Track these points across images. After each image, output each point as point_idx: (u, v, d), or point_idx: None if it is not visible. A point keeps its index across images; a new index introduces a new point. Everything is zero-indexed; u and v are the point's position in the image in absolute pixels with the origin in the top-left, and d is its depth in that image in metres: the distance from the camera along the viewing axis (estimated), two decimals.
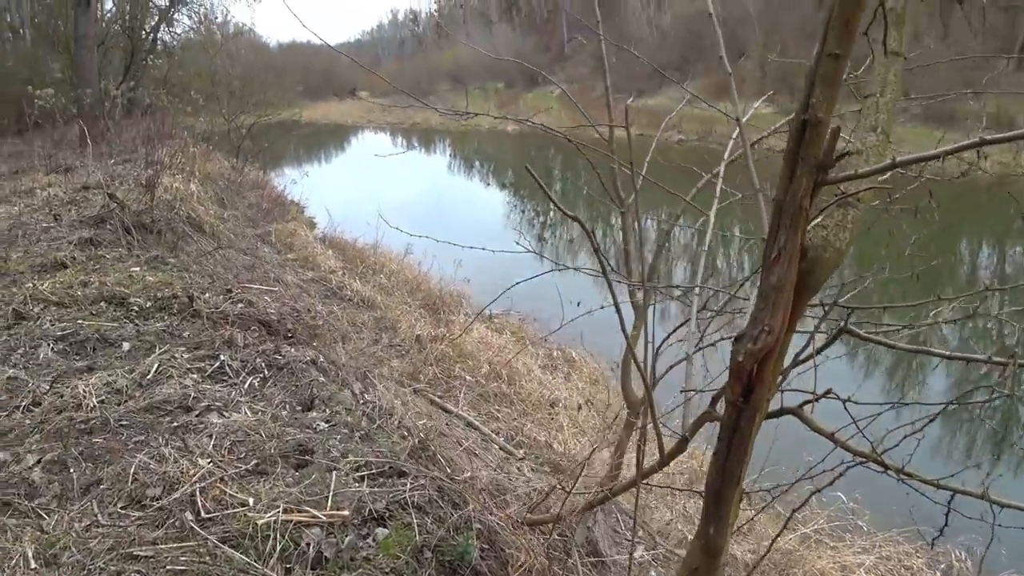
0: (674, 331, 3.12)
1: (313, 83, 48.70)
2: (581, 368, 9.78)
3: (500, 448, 6.26)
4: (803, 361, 2.23)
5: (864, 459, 2.18)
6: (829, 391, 2.17)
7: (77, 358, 3.54)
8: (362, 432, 3.21)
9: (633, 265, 4.35)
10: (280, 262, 9.36)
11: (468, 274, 11.01)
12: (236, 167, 15.35)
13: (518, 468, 5.56)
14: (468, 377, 7.41)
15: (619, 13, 52.74)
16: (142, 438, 2.83)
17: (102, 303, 4.08)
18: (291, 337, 4.73)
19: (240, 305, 4.81)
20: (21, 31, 30.33)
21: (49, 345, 3.57)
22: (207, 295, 4.70)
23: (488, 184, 28.66)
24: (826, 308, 2.25)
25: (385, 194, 16.02)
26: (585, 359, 9.87)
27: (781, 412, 2.20)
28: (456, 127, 44.51)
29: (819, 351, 2.22)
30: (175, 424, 2.91)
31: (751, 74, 30.86)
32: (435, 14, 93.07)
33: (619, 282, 3.08)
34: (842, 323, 2.12)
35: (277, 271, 8.58)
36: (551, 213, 21.78)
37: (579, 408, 8.01)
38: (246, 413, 3.08)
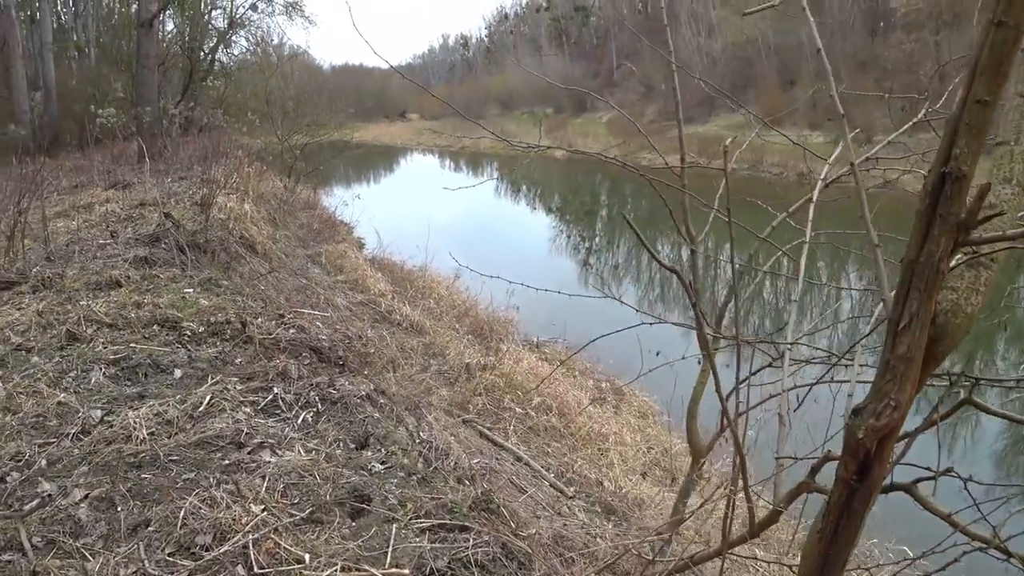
0: (770, 397, 2.85)
1: (364, 105, 49.53)
2: (630, 401, 9.53)
3: (551, 485, 6.05)
4: (918, 432, 1.99)
5: (985, 545, 1.92)
6: (950, 469, 1.93)
7: (128, 384, 3.44)
8: (419, 475, 3.03)
9: (701, 306, 4.12)
10: (330, 284, 9.32)
11: (518, 301, 10.86)
12: (288, 187, 15.49)
13: (569, 508, 5.34)
14: (518, 409, 7.21)
15: (671, 41, 52.61)
16: (192, 475, 2.69)
17: (155, 326, 4.00)
18: (342, 365, 4.59)
19: (292, 331, 4.70)
20: (87, 50, 31.45)
21: (101, 369, 3.48)
22: (260, 320, 4.59)
23: (535, 208, 28.56)
24: (951, 378, 2.01)
25: (433, 215, 16.01)
26: (634, 391, 9.63)
27: (892, 488, 1.95)
28: (504, 151, 44.62)
29: (939, 421, 1.97)
30: (227, 462, 2.77)
31: (802, 103, 30.35)
32: (485, 40, 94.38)
33: (714, 336, 2.85)
34: (963, 393, 1.89)
35: (327, 293, 8.53)
36: (596, 238, 21.52)
37: (630, 445, 7.78)
38: (299, 452, 2.92)
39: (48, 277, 5.09)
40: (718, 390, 2.19)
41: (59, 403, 3.17)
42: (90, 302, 4.58)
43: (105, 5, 36.85)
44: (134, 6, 38.43)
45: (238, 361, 3.82)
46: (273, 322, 4.70)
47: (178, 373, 3.53)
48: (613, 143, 38.08)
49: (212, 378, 3.41)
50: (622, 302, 3.07)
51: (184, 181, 11.47)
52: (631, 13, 61.58)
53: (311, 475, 2.73)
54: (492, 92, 68.80)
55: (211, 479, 2.63)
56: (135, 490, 2.60)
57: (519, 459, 6.25)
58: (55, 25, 28.86)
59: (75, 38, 32.53)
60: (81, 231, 7.23)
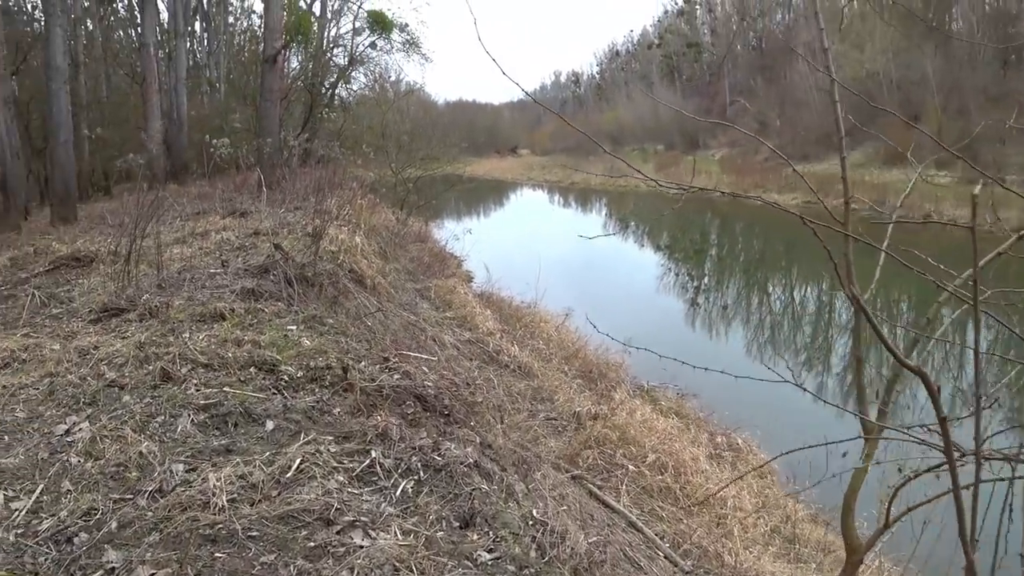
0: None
1: (476, 140, 50.33)
2: (747, 458, 8.71)
3: (665, 557, 5.44)
4: None
5: None
6: None
7: (216, 434, 3.13)
8: (532, 569, 2.53)
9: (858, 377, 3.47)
10: (438, 320, 9.03)
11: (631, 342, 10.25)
12: (400, 219, 15.53)
13: None
14: (631, 466, 6.59)
15: (784, 76, 50.91)
16: (271, 559, 2.29)
17: (252, 368, 3.71)
18: (448, 415, 4.18)
19: (396, 376, 4.33)
20: (217, 85, 33.40)
21: (190, 416, 3.19)
22: (363, 363, 4.25)
23: (643, 245, 27.88)
24: None
25: (543, 250, 15.65)
26: (752, 447, 8.83)
27: None
28: (614, 188, 44.19)
29: None
30: (312, 543, 2.36)
31: (925, 139, 28.26)
32: (596, 76, 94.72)
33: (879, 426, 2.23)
34: None
35: (435, 330, 8.22)
36: (705, 278, 20.61)
37: (750, 511, 7.01)
38: (396, 533, 2.48)
39: (155, 306, 4.97)
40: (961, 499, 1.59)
41: (141, 453, 2.88)
42: (191, 335, 4.38)
43: (236, 44, 39.23)
44: (261, 44, 40.89)
45: (336, 411, 3.46)
46: (377, 366, 4.35)
47: (270, 425, 3.20)
48: (726, 180, 37.02)
49: (305, 435, 3.05)
50: (804, 389, 2.49)
51: (298, 211, 11.57)
52: (745, 50, 60.22)
53: (407, 567, 2.28)
54: (603, 128, 68.68)
55: (292, 567, 2.22)
56: (206, 571, 2.22)
57: (632, 524, 5.69)
58: (190, 62, 30.72)
59: (207, 74, 34.62)
60: (195, 258, 7.22)
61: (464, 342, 8.89)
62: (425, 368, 5.06)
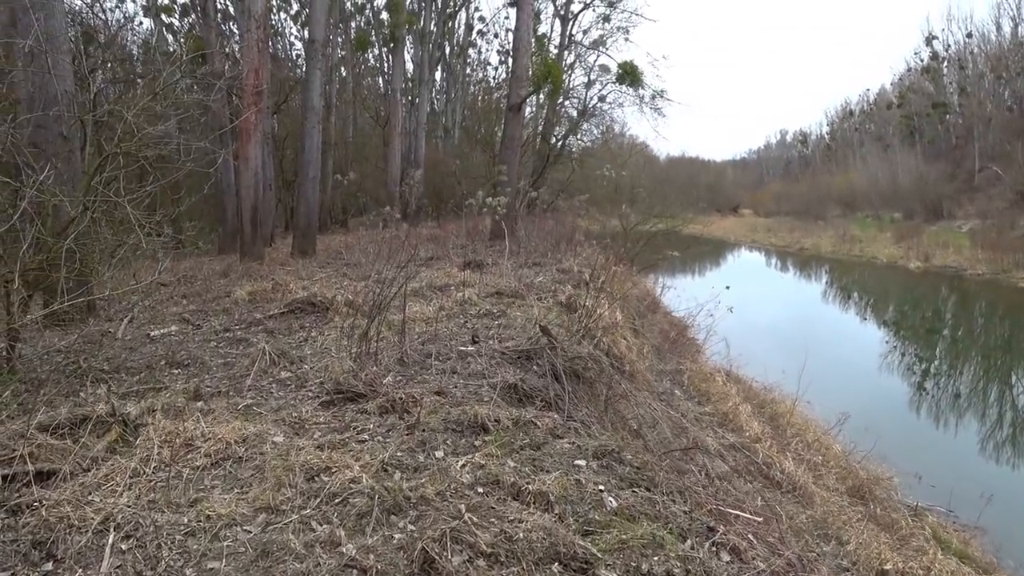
0: None
1: (699, 197, 48.20)
2: None
3: None
4: None
5: None
6: None
7: None
8: None
9: None
10: (697, 415, 7.36)
11: (893, 445, 8.23)
12: (634, 279, 14.06)
13: None
14: None
15: None
16: None
17: (554, 565, 2.32)
18: None
19: (726, 558, 2.81)
20: (452, 131, 34.56)
21: None
22: (688, 543, 2.74)
23: (864, 319, 24.50)
24: None
25: (754, 318, 13.45)
26: None
27: None
28: (846, 256, 40.02)
29: None
30: None
31: None
32: (826, 136, 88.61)
33: None
34: None
35: (696, 431, 6.57)
36: (936, 361, 17.50)
37: None
38: None
39: (399, 399, 3.81)
40: None
41: None
42: (447, 456, 3.14)
43: (471, 94, 40.71)
44: (495, 94, 42.14)
45: None
46: (705, 546, 2.82)
47: None
48: (980, 256, 31.75)
49: None
50: None
51: (538, 268, 10.51)
52: (999, 111, 52.89)
53: None
54: (833, 191, 63.53)
55: None
56: None
57: None
58: (429, 109, 31.93)
59: (443, 121, 35.97)
60: (438, 322, 6.18)
61: (728, 448, 7.13)
62: (752, 536, 3.45)
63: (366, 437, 3.46)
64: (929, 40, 59.84)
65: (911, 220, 48.57)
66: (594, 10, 22.52)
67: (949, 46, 58.68)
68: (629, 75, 15.67)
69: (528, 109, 27.07)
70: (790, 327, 18.38)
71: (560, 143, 28.06)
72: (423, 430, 3.43)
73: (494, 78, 43.74)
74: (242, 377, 5.17)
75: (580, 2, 24.70)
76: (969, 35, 55.90)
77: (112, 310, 8.26)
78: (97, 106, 6.67)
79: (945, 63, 59.69)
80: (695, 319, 11.31)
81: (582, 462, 3.19)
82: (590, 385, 4.61)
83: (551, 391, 4.23)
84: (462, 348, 4.95)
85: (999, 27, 52.87)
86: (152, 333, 7.02)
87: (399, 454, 3.18)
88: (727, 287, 10.82)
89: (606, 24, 23.14)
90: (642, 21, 35.17)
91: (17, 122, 5.65)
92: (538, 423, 3.60)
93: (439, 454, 3.23)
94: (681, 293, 15.24)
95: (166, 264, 6.31)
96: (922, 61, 61.82)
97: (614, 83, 21.96)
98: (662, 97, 16.83)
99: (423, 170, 26.69)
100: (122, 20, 20.33)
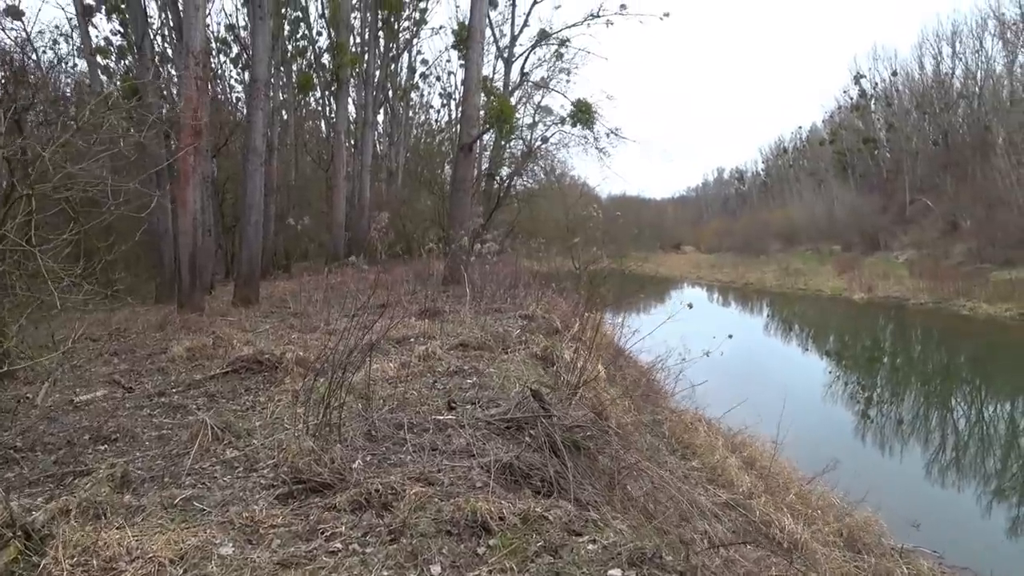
0: None
1: (641, 236, 48.47)
2: None
3: None
4: None
5: None
6: None
7: None
8: None
9: None
10: (684, 472, 6.80)
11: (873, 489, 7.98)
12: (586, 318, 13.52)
13: None
14: None
15: (979, 173, 45.58)
16: None
17: None
18: None
19: None
20: (395, 174, 34.16)
21: None
22: None
23: (806, 349, 24.73)
24: None
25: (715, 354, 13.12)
26: None
27: None
28: (791, 290, 40.66)
29: None
30: None
31: None
32: (762, 173, 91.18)
33: None
34: None
35: (686, 490, 6.01)
36: (878, 389, 17.70)
37: None
38: None
39: (377, 491, 3.15)
40: None
41: None
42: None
43: (414, 136, 40.44)
44: (438, 137, 41.89)
45: None
46: None
47: None
48: (922, 285, 32.59)
49: None
50: None
51: (498, 315, 9.90)
52: (925, 145, 55.38)
53: None
54: (772, 226, 65.14)
55: None
56: None
57: None
58: (373, 152, 31.48)
59: (387, 163, 35.48)
60: (405, 382, 5.51)
61: (721, 506, 6.59)
62: None
63: (338, 546, 2.78)
64: (857, 79, 62.42)
65: (850, 252, 50.07)
66: (547, 46, 22.41)
67: (876, 84, 61.29)
68: (583, 113, 15.41)
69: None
70: (753, 364, 18.18)
71: (507, 184, 27.75)
72: (411, 535, 2.77)
73: (436, 121, 43.65)
74: (180, 456, 4.41)
75: (525, 44, 24.65)
76: (894, 73, 58.53)
77: (33, 371, 7.32)
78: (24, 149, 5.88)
79: (873, 100, 62.27)
80: (663, 362, 10.81)
81: (617, 572, 2.58)
82: (592, 458, 4.01)
83: (550, 468, 3.62)
84: (439, 417, 4.30)
85: (922, 65, 55.48)
86: (77, 399, 6.16)
87: (385, 573, 2.52)
88: (729, 336, 10.33)
89: (558, 61, 23.06)
90: (589, 60, 35.50)
91: None
92: (549, 516, 2.98)
93: (435, 570, 2.58)
94: (639, 332, 14.76)
95: (94, 318, 5.53)
96: (851, 99, 64.40)
97: (559, 124, 21.79)
98: (616, 135, 16.66)
99: (368, 213, 26.05)
100: (55, 61, 19.25)
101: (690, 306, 11.13)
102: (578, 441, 3.95)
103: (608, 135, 17.15)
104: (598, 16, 19.25)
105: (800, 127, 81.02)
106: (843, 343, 25.73)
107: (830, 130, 69.49)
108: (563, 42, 20.98)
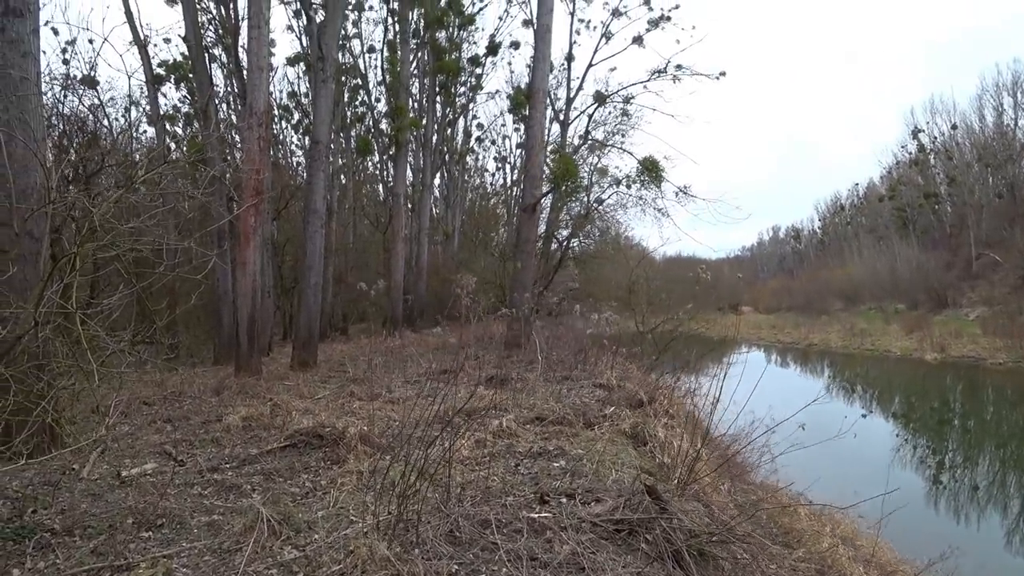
0: None
1: (698, 297, 47.35)
2: None
3: None
4: None
5: None
6: None
7: None
8: None
9: None
10: (792, 564, 5.90)
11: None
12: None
13: None
14: None
15: None
16: None
17: None
18: None
19: None
20: (451, 236, 34.14)
21: None
22: None
23: (871, 411, 23.13)
24: None
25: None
26: None
27: None
28: (857, 350, 38.71)
29: None
30: None
31: None
32: (819, 231, 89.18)
33: None
34: None
35: None
36: (949, 453, 16.18)
37: None
38: None
39: None
40: None
41: None
42: None
43: (469, 199, 40.64)
44: (492, 199, 42.00)
45: None
46: None
47: None
48: (999, 344, 30.43)
49: None
50: None
51: (570, 383, 9.21)
52: (988, 198, 53.27)
53: None
54: (832, 285, 63.09)
55: None
56: None
57: None
58: (430, 215, 31.59)
59: (443, 226, 35.55)
60: (481, 465, 4.87)
61: None
62: None
63: None
64: (915, 133, 61.02)
65: (915, 310, 47.85)
66: (610, 104, 22.10)
67: (935, 137, 59.78)
68: (651, 171, 14.90)
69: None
70: (832, 430, 16.92)
71: (566, 245, 27.33)
72: None
73: (491, 184, 43.91)
74: (231, 553, 3.82)
75: (579, 107, 24.43)
76: (954, 126, 57.03)
77: (83, 438, 6.90)
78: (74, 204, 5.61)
79: (932, 154, 60.71)
80: (750, 435, 9.88)
81: None
82: (719, 569, 3.28)
83: None
84: (532, 516, 3.62)
85: (982, 116, 53.94)
86: (125, 473, 5.67)
87: None
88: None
89: (624, 118, 22.72)
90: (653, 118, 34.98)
91: None
92: None
93: None
94: (720, 402, 13.76)
95: (150, 379, 5.07)
96: (910, 153, 62.88)
97: (624, 183, 21.28)
98: (685, 193, 16.06)
99: (427, 275, 25.82)
100: (125, 126, 19.83)
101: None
102: (703, 549, 3.23)
103: (677, 193, 16.48)
104: (663, 71, 18.87)
105: (856, 184, 79.30)
106: (930, 409, 24.12)
107: (889, 185, 67.88)
108: (628, 99, 20.64)
